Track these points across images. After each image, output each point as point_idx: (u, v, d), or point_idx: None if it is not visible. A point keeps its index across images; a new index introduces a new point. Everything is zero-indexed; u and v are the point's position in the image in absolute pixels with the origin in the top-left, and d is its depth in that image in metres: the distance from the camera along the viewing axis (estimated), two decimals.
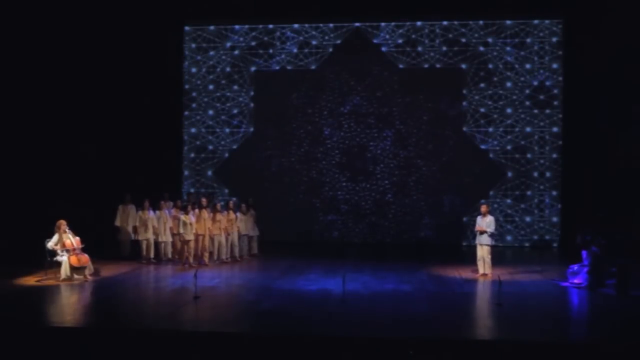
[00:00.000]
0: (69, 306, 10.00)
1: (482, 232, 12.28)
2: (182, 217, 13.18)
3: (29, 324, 8.71)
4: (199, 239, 13.38)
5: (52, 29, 15.48)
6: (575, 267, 11.56)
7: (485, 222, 12.31)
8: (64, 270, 11.35)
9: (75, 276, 11.44)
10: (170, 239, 14.11)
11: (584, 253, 11.50)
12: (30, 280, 11.45)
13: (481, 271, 12.32)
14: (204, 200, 13.87)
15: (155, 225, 13.86)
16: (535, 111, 16.83)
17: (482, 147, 16.96)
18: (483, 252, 12.29)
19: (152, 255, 13.91)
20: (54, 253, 11.50)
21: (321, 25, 17.39)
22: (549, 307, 10.02)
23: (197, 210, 13.45)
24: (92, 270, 11.80)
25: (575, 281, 11.42)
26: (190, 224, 13.15)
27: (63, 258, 11.39)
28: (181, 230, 13.17)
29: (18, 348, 8.11)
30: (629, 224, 14.11)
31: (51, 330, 8.53)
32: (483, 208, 12.54)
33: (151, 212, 13.86)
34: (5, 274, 11.71)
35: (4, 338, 8.24)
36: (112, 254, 13.99)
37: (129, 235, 14.16)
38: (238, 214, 14.22)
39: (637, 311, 9.83)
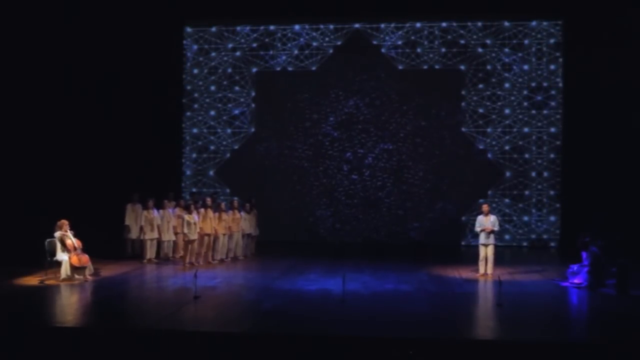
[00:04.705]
0: (70, 306, 9.99)
1: (489, 232, 12.26)
2: (186, 216, 13.19)
3: (29, 324, 8.70)
4: (204, 238, 13.41)
5: (55, 30, 15.50)
6: (575, 267, 11.58)
7: (490, 222, 12.31)
8: (64, 270, 11.34)
9: (76, 276, 11.42)
10: (173, 238, 14.14)
11: (584, 254, 11.51)
12: (31, 280, 11.44)
13: (482, 271, 12.32)
14: (208, 200, 13.89)
15: (159, 225, 13.89)
16: (533, 112, 16.89)
17: (481, 147, 17.01)
18: (488, 252, 12.25)
19: (154, 255, 13.92)
20: (54, 252, 11.50)
21: (321, 26, 17.43)
22: (549, 307, 10.04)
23: (202, 210, 13.48)
24: (92, 270, 11.79)
25: (575, 281, 11.44)
26: (194, 223, 13.17)
27: (64, 258, 11.39)
28: (185, 230, 13.19)
29: (18, 348, 8.10)
30: (629, 223, 14.18)
31: (51, 330, 8.53)
32: (485, 208, 12.51)
33: (155, 212, 13.88)
34: (5, 274, 11.70)
35: (4, 338, 8.23)
36: (113, 254, 13.99)
37: (136, 234, 14.14)
38: (242, 214, 14.26)
39: (637, 311, 9.84)
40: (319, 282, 11.59)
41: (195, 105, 17.83)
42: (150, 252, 13.85)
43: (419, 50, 17.18)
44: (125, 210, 14.13)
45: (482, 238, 12.32)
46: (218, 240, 13.74)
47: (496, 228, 12.27)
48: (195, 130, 17.84)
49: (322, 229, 17.42)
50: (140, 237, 13.98)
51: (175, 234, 14.02)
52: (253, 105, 17.69)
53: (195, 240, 13.26)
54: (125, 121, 16.46)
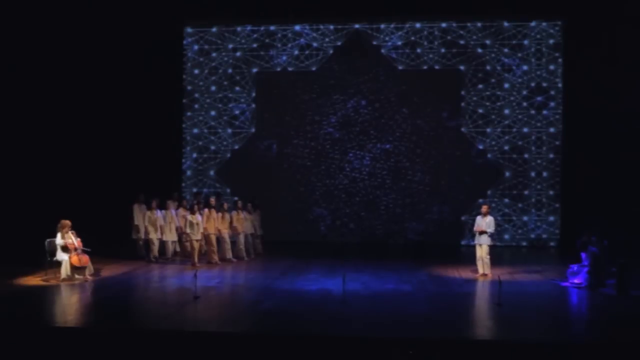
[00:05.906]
0: (70, 306, 10.00)
1: (481, 233, 12.31)
2: (189, 217, 13.21)
3: (29, 324, 8.71)
4: (208, 238, 13.41)
5: (56, 31, 15.49)
6: (575, 267, 11.59)
7: (485, 222, 12.34)
8: (65, 270, 11.35)
9: (76, 276, 11.44)
10: (175, 238, 14.17)
11: (583, 255, 11.52)
12: (31, 280, 11.44)
13: (480, 271, 12.34)
14: (212, 200, 13.91)
15: (162, 225, 13.91)
16: (533, 112, 16.91)
17: (480, 147, 17.02)
18: (482, 252, 12.31)
19: (156, 254, 13.93)
20: (54, 252, 11.50)
21: (321, 27, 17.44)
22: (549, 307, 10.05)
23: (205, 210, 13.49)
24: (92, 270, 11.80)
25: (575, 281, 11.45)
26: (197, 223, 13.18)
27: (64, 258, 11.39)
28: (188, 230, 13.20)
29: (18, 348, 8.11)
30: (629, 224, 14.19)
31: (52, 330, 8.53)
32: (484, 208, 12.56)
33: (158, 212, 13.90)
34: (6, 274, 11.69)
35: (4, 338, 8.24)
36: (114, 253, 13.99)
37: (142, 234, 14.15)
38: (245, 214, 14.28)
39: (637, 311, 9.85)
40: (319, 282, 11.59)
41: (196, 106, 17.85)
42: (155, 252, 13.87)
43: (418, 50, 17.19)
44: (133, 210, 14.13)
45: (476, 238, 12.44)
46: (223, 241, 13.77)
47: (489, 230, 12.29)
48: (195, 131, 17.85)
49: (323, 228, 17.44)
50: (145, 237, 14.00)
51: (180, 234, 14.04)
52: (253, 105, 17.70)
53: (200, 240, 13.28)
54: (126, 121, 16.46)
